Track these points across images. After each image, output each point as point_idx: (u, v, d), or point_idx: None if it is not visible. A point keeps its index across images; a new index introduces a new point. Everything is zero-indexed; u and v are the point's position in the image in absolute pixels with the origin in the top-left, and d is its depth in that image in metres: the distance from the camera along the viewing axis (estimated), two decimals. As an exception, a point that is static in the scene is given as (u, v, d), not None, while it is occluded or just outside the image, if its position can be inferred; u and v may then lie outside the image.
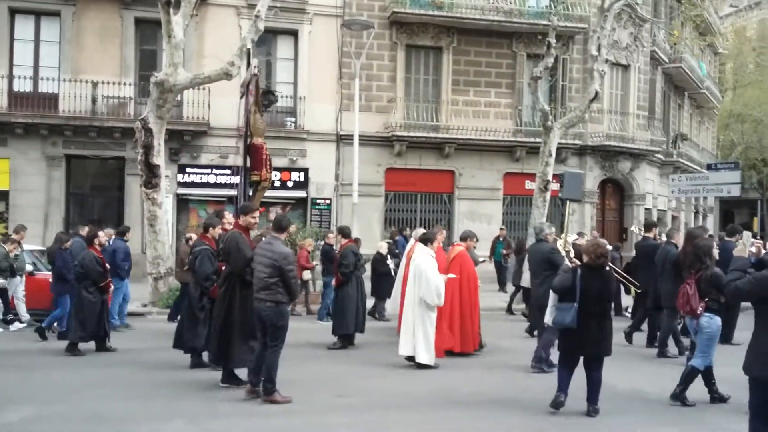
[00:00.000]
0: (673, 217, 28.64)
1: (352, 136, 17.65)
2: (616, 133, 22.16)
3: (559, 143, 17.04)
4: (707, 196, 29.16)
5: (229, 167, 19.33)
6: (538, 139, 18.04)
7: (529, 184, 20.18)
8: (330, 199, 20.08)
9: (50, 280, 10.83)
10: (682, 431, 6.32)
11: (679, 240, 9.75)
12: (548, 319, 7.18)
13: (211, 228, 8.47)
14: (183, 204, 19.36)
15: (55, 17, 18.50)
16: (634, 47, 22.92)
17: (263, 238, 7.70)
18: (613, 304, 7.29)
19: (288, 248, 7.33)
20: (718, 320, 7.00)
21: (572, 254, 8.79)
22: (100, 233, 10.32)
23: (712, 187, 20.92)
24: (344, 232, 11.30)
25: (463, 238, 9.84)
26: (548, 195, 16.45)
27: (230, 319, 7.18)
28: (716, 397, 7.12)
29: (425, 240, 9.00)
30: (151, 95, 13.40)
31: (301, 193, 19.94)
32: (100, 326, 9.50)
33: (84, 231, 11.46)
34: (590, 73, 16.82)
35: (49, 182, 18.27)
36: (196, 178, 19.16)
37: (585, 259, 6.54)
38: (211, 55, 18.27)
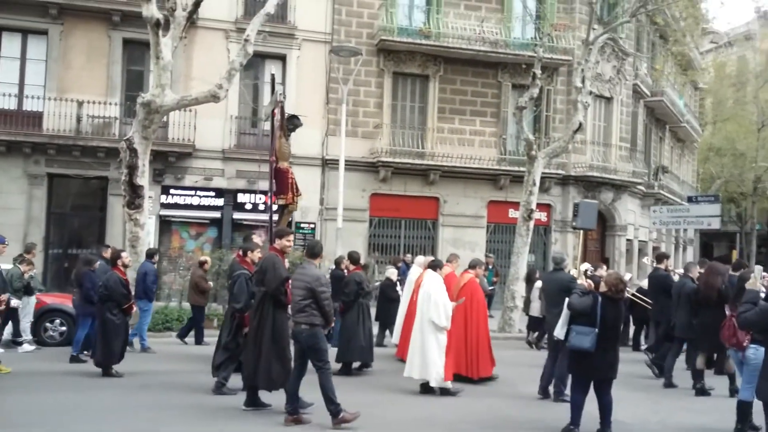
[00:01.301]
0: (654, 248, 28.89)
1: (337, 160, 17.70)
2: (598, 164, 22.43)
3: (542, 172, 17.19)
4: (687, 228, 29.51)
5: (213, 189, 19.30)
6: (522, 168, 18.20)
7: (512, 213, 20.30)
8: (314, 224, 20.04)
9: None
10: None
11: (695, 273, 10.05)
12: (559, 332, 7.37)
13: (249, 252, 8.56)
14: (165, 226, 19.21)
15: (42, 36, 18.45)
16: (617, 80, 23.32)
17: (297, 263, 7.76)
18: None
19: (321, 271, 7.47)
20: (762, 350, 6.90)
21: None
22: (123, 254, 10.23)
23: (692, 220, 21.16)
24: (353, 258, 11.18)
25: (472, 266, 9.88)
26: (531, 224, 16.53)
27: (262, 340, 7.24)
28: (749, 427, 7.27)
29: (434, 266, 9.19)
30: (137, 116, 13.34)
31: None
32: (124, 349, 9.47)
33: (107, 253, 11.40)
34: (574, 105, 17.06)
35: (30, 201, 18.05)
36: (180, 200, 19.05)
37: (604, 289, 6.89)
38: (198, 77, 18.32)
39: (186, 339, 12.79)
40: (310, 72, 20.06)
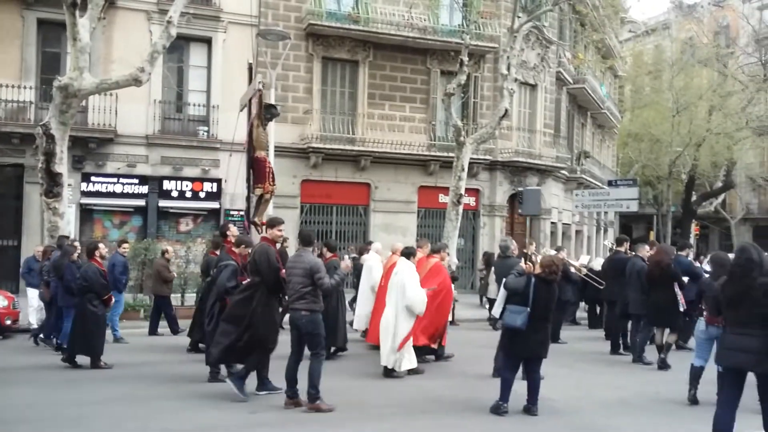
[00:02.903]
0: (577, 232, 29.96)
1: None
2: (524, 150, 23.03)
3: (471, 158, 17.51)
4: (608, 210, 30.72)
5: (137, 177, 18.71)
6: (451, 154, 18.48)
7: (442, 198, 20.61)
8: (244, 211, 19.72)
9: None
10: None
11: (644, 253, 10.87)
12: (496, 311, 7.74)
13: (243, 246, 8.61)
14: (87, 214, 18.51)
15: (-53, 14, 17.36)
16: (541, 68, 23.94)
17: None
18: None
19: (317, 258, 7.69)
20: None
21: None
22: (101, 245, 10.14)
23: (612, 203, 22.01)
24: (329, 245, 11.10)
25: (436, 251, 10.26)
26: (461, 208, 16.85)
27: (252, 325, 7.40)
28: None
29: (408, 254, 9.43)
30: (53, 100, 12.76)
31: (214, 204, 19.52)
32: (103, 340, 9.44)
33: (67, 243, 11.18)
34: (500, 91, 17.42)
35: (-62, 190, 17.05)
36: (102, 188, 18.39)
37: (538, 270, 7.19)
38: (119, 60, 17.68)
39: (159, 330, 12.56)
40: (236, 56, 19.63)
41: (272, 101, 17.34)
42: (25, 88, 17.44)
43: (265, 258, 7.39)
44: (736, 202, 42.44)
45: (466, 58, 16.63)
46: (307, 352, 7.29)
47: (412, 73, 21.75)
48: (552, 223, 25.17)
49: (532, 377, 7.23)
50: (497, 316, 7.73)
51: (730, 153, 31.97)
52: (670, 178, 35.55)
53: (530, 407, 7.18)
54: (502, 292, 7.58)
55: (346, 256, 14.52)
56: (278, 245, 7.98)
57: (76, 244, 10.97)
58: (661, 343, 10.25)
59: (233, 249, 8.68)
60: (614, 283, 11.61)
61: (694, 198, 37.02)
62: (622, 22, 33.82)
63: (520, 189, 16.43)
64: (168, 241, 17.53)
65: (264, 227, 7.92)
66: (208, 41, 19.62)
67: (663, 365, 9.80)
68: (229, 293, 8.09)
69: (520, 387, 7.30)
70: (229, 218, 19.52)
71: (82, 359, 9.37)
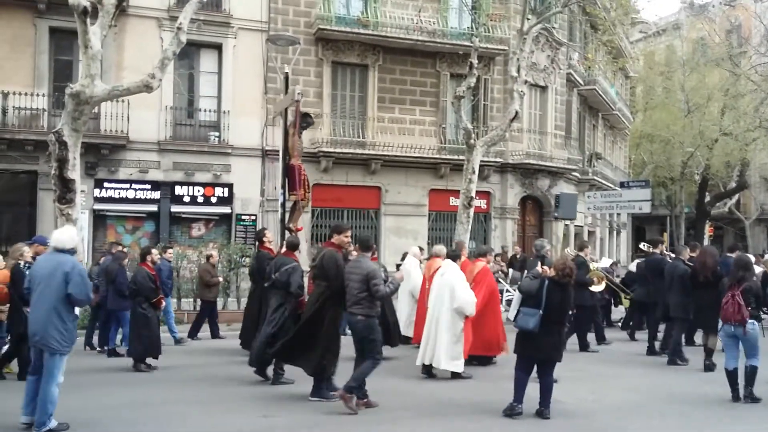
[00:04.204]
0: (590, 233, 29.81)
1: (277, 151, 17.38)
2: (535, 152, 22.94)
3: (481, 161, 17.47)
4: (620, 212, 30.56)
5: (149, 182, 18.82)
6: (461, 157, 18.45)
7: (453, 200, 20.56)
8: (255, 216, 19.81)
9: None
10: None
11: (686, 256, 10.93)
12: (511, 313, 7.91)
13: (299, 246, 9.07)
14: (100, 220, 18.64)
15: (-39, 24, 17.57)
16: (551, 69, 23.86)
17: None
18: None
19: (375, 264, 7.85)
20: (757, 325, 7.96)
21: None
22: (153, 250, 10.47)
23: (624, 204, 21.93)
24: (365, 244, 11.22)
25: (482, 254, 10.34)
26: (472, 211, 16.80)
27: (318, 330, 7.59)
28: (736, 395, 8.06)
29: (454, 257, 9.61)
30: (66, 107, 12.86)
31: (226, 209, 19.60)
32: (152, 342, 9.66)
33: (115, 250, 11.80)
34: (510, 94, 17.38)
35: (-47, 197, 17.23)
36: (114, 194, 18.52)
37: (552, 273, 7.19)
38: (130, 66, 17.80)
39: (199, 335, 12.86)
40: (247, 61, 19.75)
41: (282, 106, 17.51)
42: (37, 95, 17.61)
43: (333, 264, 7.58)
44: (751, 202, 42.06)
45: (475, 61, 16.61)
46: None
47: (421, 76, 21.75)
48: (565, 225, 25.05)
49: (545, 380, 7.19)
50: (512, 318, 7.74)
51: (743, 153, 31.69)
52: (682, 179, 35.32)
53: (542, 410, 7.15)
54: (517, 295, 7.59)
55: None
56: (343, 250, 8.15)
57: (126, 250, 11.26)
58: (708, 345, 10.17)
59: (293, 252, 8.93)
60: (654, 286, 11.64)
61: (707, 199, 36.71)
62: (632, 23, 33.62)
63: (557, 194, 16.87)
64: (180, 246, 17.58)
65: (332, 233, 8.13)
66: (218, 47, 19.72)
67: (709, 367, 9.87)
68: (303, 290, 8.55)
69: (532, 390, 7.25)
70: (241, 223, 19.62)
71: (128, 361, 9.73)
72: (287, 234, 10.98)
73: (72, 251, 6.57)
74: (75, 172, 12.99)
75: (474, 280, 9.63)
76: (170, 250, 12.81)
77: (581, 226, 27.97)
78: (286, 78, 12.74)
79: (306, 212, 19.95)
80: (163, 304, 10.47)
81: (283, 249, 9.23)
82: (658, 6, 70.16)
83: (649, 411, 7.63)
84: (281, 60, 18.88)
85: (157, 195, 18.91)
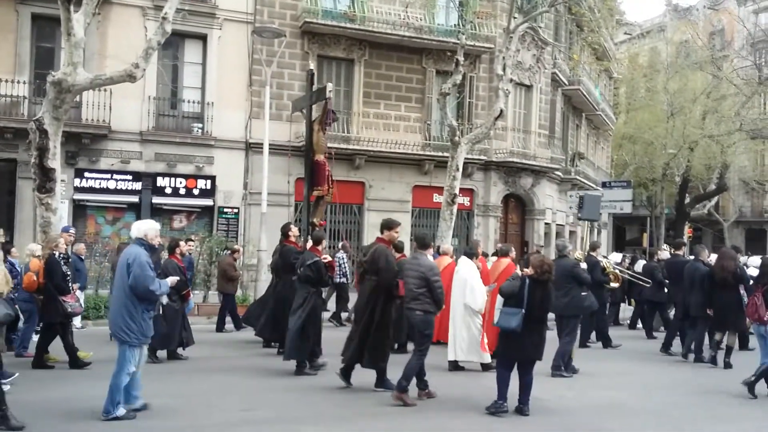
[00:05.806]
0: (571, 232, 30.01)
1: (261, 144, 17.43)
2: (518, 150, 23.05)
3: (465, 158, 17.51)
4: (602, 212, 30.73)
5: (130, 173, 18.64)
6: (445, 154, 18.48)
7: (437, 197, 20.59)
8: (238, 208, 19.71)
9: None
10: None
11: (705, 257, 11.17)
12: (495, 318, 7.85)
13: (323, 241, 9.16)
14: (80, 210, 18.45)
15: (-60, 8, 17.25)
16: (537, 69, 23.96)
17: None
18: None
19: (433, 261, 7.96)
20: None
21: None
22: (181, 242, 10.49)
23: (606, 204, 22.07)
24: (397, 247, 10.98)
25: (506, 252, 10.46)
26: (455, 208, 16.84)
27: (370, 325, 7.80)
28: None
29: (470, 255, 9.84)
30: (47, 95, 12.67)
31: (208, 202, 19.47)
32: (183, 334, 9.79)
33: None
34: (495, 92, 17.41)
35: (-71, 184, 16.95)
36: (95, 184, 18.33)
37: (531, 272, 7.22)
38: (113, 55, 17.58)
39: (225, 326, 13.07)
40: (232, 53, 19.61)
41: (267, 98, 17.43)
42: (18, 82, 17.36)
43: (384, 259, 7.73)
44: (729, 204, 42.59)
45: (461, 58, 16.62)
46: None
47: (407, 72, 21.74)
48: (546, 223, 25.21)
49: (524, 379, 7.24)
50: (496, 320, 7.61)
51: (724, 156, 32.07)
52: (663, 180, 35.65)
53: (522, 407, 7.20)
54: (499, 298, 7.57)
55: (340, 254, 14.61)
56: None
57: (126, 240, 11.26)
58: (727, 343, 10.45)
59: (316, 247, 9.03)
60: (675, 287, 11.97)
61: (687, 200, 37.12)
62: (617, 23, 33.87)
63: (581, 194, 17.22)
64: (162, 237, 17.41)
65: (382, 229, 8.16)
66: (203, 38, 19.56)
67: (727, 365, 10.17)
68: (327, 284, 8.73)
69: (513, 386, 7.28)
70: (223, 215, 19.50)
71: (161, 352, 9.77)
72: (311, 229, 11.11)
73: (141, 242, 6.57)
74: (55, 161, 12.80)
75: (498, 279, 9.64)
76: (191, 242, 12.85)
77: (562, 225, 28.16)
78: (310, 75, 12.84)
79: (288, 206, 19.96)
80: (191, 296, 10.55)
81: (309, 244, 9.32)
82: (643, 7, 70.76)
83: (628, 410, 7.70)
84: (266, 52, 18.76)
85: (138, 186, 18.74)
